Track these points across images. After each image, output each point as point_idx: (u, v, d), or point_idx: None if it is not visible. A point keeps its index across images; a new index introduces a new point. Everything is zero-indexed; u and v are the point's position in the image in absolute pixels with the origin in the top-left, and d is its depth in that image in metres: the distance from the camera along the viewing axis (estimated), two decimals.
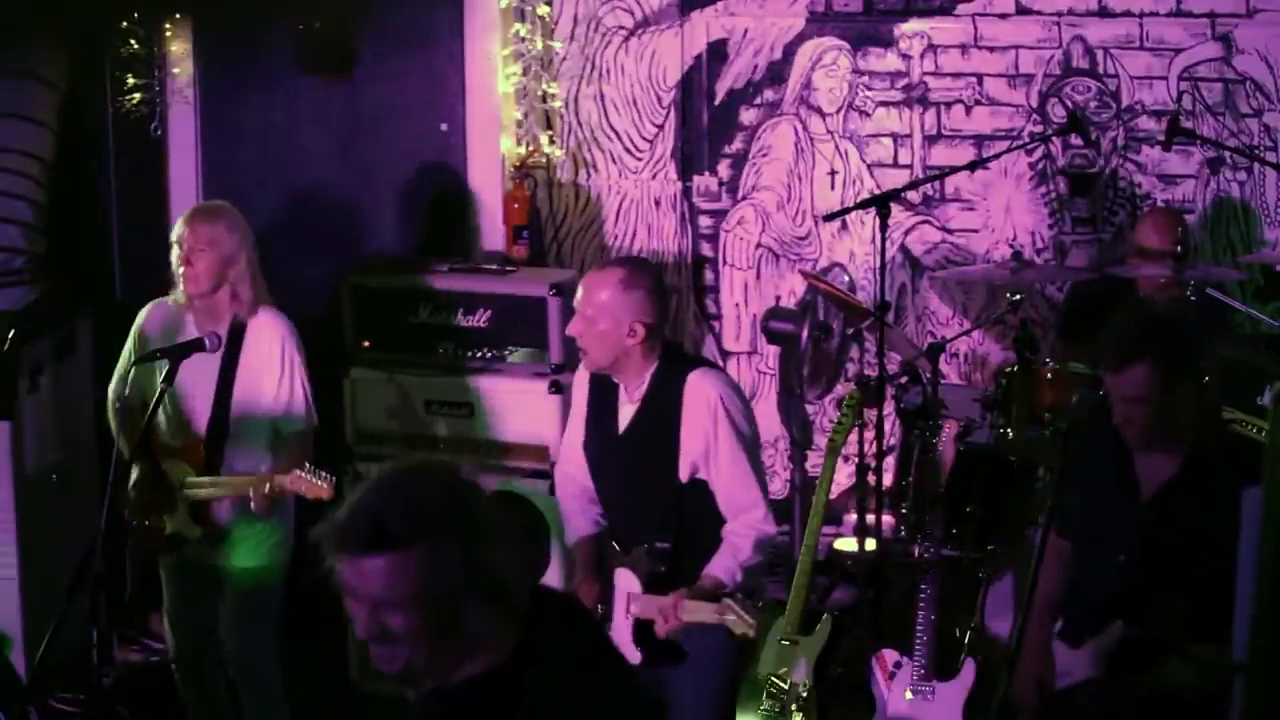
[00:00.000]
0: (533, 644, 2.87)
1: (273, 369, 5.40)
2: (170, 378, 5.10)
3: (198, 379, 5.36)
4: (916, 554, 5.53)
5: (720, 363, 7.22)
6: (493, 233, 7.12)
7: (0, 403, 6.33)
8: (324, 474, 5.24)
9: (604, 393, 5.01)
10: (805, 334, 6.43)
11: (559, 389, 6.31)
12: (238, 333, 5.40)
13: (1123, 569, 4.50)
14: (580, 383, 5.12)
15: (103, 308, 7.01)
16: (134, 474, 5.41)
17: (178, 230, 5.41)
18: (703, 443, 4.83)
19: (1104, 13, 6.84)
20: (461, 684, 2.83)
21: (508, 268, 6.75)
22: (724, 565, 4.81)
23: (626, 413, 4.94)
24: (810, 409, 6.88)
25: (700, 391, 4.84)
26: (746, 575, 4.83)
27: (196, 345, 5.25)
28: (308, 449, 5.45)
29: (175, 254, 5.39)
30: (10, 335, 6.31)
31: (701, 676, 4.92)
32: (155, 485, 5.41)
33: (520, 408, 6.34)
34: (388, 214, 7.12)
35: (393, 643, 2.78)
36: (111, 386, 5.58)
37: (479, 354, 6.42)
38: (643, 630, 4.85)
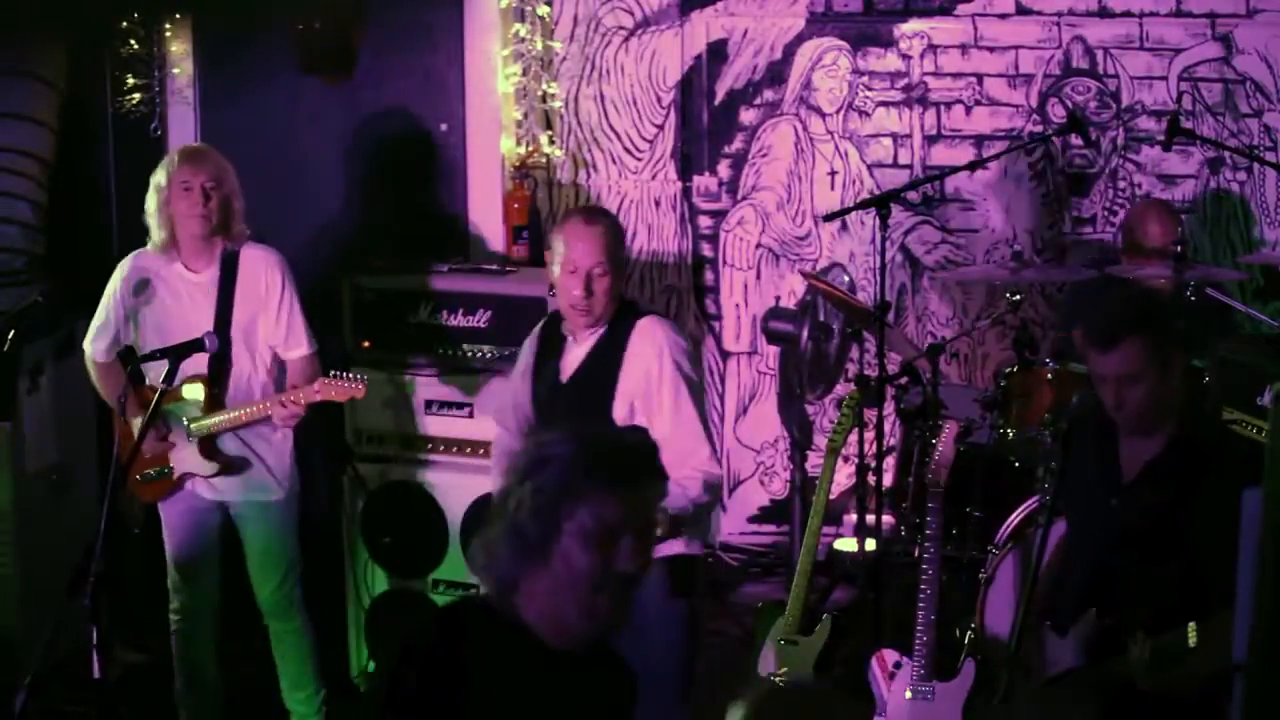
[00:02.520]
0: None
1: (272, 296, 5.53)
2: (170, 378, 5.11)
3: (192, 314, 5.47)
4: (916, 554, 5.53)
5: (720, 363, 7.23)
6: (493, 233, 7.12)
7: (0, 403, 6.33)
8: (351, 375, 5.42)
9: (550, 345, 5.02)
10: (805, 334, 6.43)
11: None
12: (230, 263, 5.52)
13: (1099, 555, 4.49)
14: (529, 343, 5.13)
15: None
16: (135, 429, 5.42)
17: (176, 172, 5.48)
18: (643, 382, 4.77)
19: (1104, 13, 6.84)
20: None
21: (508, 268, 6.74)
22: (673, 499, 4.64)
23: (573, 359, 4.93)
24: (810, 409, 6.89)
25: (647, 333, 4.81)
26: (697, 511, 4.72)
27: (197, 345, 5.26)
28: (316, 368, 5.58)
29: (175, 196, 5.46)
30: (10, 335, 6.31)
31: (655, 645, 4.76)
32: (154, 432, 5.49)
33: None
34: (388, 214, 7.12)
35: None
36: (90, 342, 5.69)
37: (479, 354, 6.42)
38: None
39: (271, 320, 5.54)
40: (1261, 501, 3.67)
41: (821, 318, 6.51)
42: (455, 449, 6.36)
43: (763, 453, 7.32)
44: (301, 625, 5.82)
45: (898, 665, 5.25)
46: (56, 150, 7.03)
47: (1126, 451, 4.51)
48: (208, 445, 5.55)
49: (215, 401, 5.54)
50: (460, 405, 6.39)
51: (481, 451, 6.35)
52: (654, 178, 7.27)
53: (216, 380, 5.52)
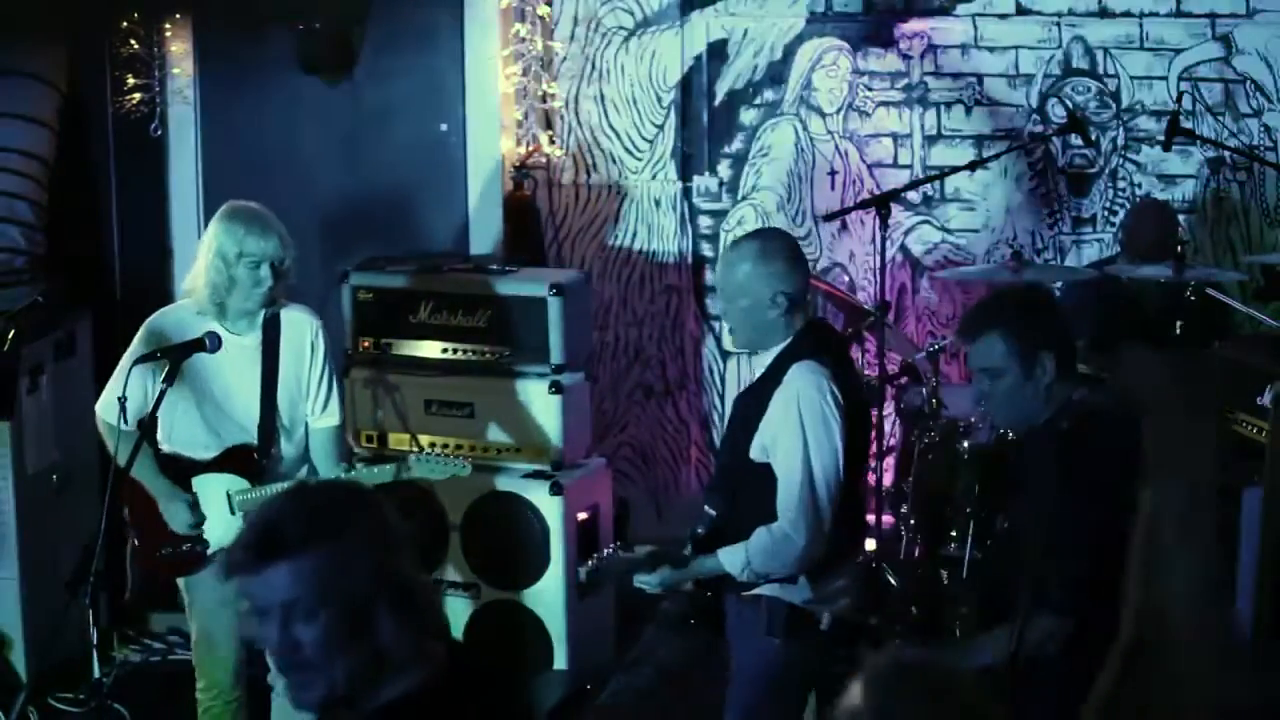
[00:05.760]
0: (465, 666, 2.81)
1: (314, 360, 5.34)
2: (170, 378, 4.99)
3: (233, 377, 5.26)
4: (916, 554, 5.52)
5: (720, 363, 7.23)
6: (493, 233, 7.12)
7: (0, 403, 6.32)
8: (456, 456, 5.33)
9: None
10: None
11: (559, 389, 6.31)
12: (273, 326, 5.30)
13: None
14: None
15: (103, 308, 7.01)
16: (166, 502, 5.23)
17: (244, 245, 5.19)
18: (773, 430, 4.64)
19: (1104, 13, 6.84)
20: (391, 704, 2.74)
21: (508, 268, 6.74)
22: (730, 552, 4.65)
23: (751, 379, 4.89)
24: None
25: (790, 383, 4.63)
26: (748, 573, 4.65)
27: (197, 345, 5.14)
28: (342, 443, 5.47)
29: (241, 270, 5.19)
30: (10, 335, 6.30)
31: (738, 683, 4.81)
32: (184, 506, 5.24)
33: (520, 407, 6.34)
34: (388, 214, 7.12)
35: (308, 666, 2.70)
36: (105, 405, 5.30)
37: (479, 354, 6.42)
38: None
39: (311, 386, 5.34)
40: (1261, 501, 3.68)
41: (821, 318, 6.50)
42: (455, 449, 6.35)
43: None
44: None
45: None
46: (56, 150, 7.03)
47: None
48: None
49: (262, 472, 5.27)
50: (460, 405, 6.39)
51: (481, 451, 6.36)
52: (654, 177, 7.27)
53: (265, 451, 5.28)
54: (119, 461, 5.11)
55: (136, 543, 5.34)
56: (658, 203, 7.28)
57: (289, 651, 2.71)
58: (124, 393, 5.07)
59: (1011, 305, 4.43)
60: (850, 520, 4.78)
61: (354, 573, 2.70)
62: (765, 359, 4.75)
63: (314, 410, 5.35)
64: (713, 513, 4.80)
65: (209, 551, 5.25)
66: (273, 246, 5.21)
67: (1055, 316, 4.44)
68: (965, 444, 5.94)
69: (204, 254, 5.26)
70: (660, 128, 7.24)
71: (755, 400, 4.71)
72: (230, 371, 5.25)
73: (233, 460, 5.27)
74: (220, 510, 5.25)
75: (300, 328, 5.34)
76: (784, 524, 4.59)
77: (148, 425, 5.06)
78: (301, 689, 2.74)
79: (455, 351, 6.43)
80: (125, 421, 5.04)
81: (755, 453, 4.66)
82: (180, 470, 5.27)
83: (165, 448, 5.30)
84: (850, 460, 4.66)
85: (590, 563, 4.91)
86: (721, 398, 7.30)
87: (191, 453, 5.28)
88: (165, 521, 5.23)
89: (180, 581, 5.38)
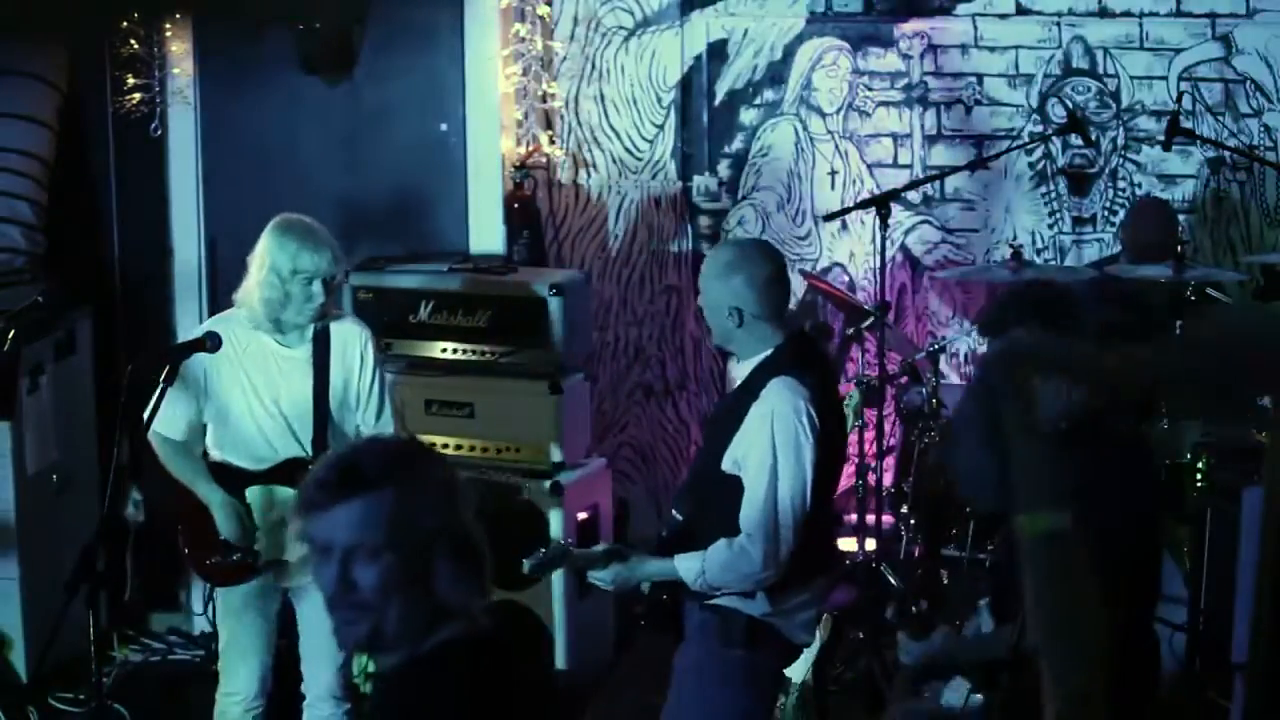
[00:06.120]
0: (507, 622, 2.86)
1: (364, 370, 5.32)
2: (170, 378, 4.95)
3: (288, 394, 5.24)
4: (916, 554, 5.53)
5: (720, 362, 7.22)
6: (493, 233, 7.12)
7: (0, 403, 6.32)
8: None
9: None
10: None
11: (559, 389, 6.31)
12: (323, 338, 5.28)
13: None
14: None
15: (103, 308, 7.01)
16: (220, 511, 5.22)
17: (297, 261, 5.16)
18: (746, 444, 4.61)
19: (1104, 13, 6.84)
20: (435, 650, 2.78)
21: (508, 268, 6.74)
22: (687, 559, 4.58)
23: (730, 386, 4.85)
24: None
25: (767, 398, 4.61)
26: (702, 583, 4.56)
27: (197, 345, 5.14)
28: None
29: (294, 286, 5.16)
30: (10, 335, 6.30)
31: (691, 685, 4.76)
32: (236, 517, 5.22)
33: (520, 407, 6.34)
34: (388, 214, 7.12)
35: (361, 606, 2.74)
36: (165, 422, 5.14)
37: (479, 354, 6.42)
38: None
39: (361, 396, 5.31)
40: (1261, 501, 3.68)
41: (821, 318, 6.51)
42: (455, 449, 6.36)
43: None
44: (351, 711, 5.44)
45: (898, 665, 5.25)
46: (56, 150, 7.03)
47: None
48: None
49: None
50: (460, 405, 6.40)
51: (481, 451, 6.36)
52: (654, 177, 7.27)
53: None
54: (174, 471, 5.21)
55: (186, 551, 5.33)
56: (658, 203, 7.28)
57: (345, 591, 2.74)
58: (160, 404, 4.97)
59: (1032, 300, 4.39)
60: (817, 543, 4.70)
61: (422, 517, 2.75)
62: (744, 369, 4.73)
63: (365, 420, 5.33)
64: (679, 517, 4.77)
65: (259, 563, 5.24)
66: (326, 262, 5.19)
67: (1078, 309, 4.39)
68: None
69: (256, 269, 5.22)
70: (660, 128, 7.24)
71: (732, 410, 4.69)
72: (283, 384, 5.24)
73: (285, 473, 5.24)
74: (273, 521, 5.23)
75: (350, 339, 5.31)
76: (744, 540, 4.54)
77: (146, 422, 5.00)
78: (347, 626, 2.77)
79: (455, 351, 6.44)
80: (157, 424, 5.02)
81: (727, 464, 4.62)
82: (231, 479, 5.26)
83: (215, 455, 5.30)
84: (821, 484, 4.62)
85: (536, 556, 4.85)
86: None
87: (243, 463, 5.26)
88: (214, 530, 5.21)
89: (218, 590, 5.37)
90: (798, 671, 4.57)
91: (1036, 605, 2.79)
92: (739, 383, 4.75)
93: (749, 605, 4.63)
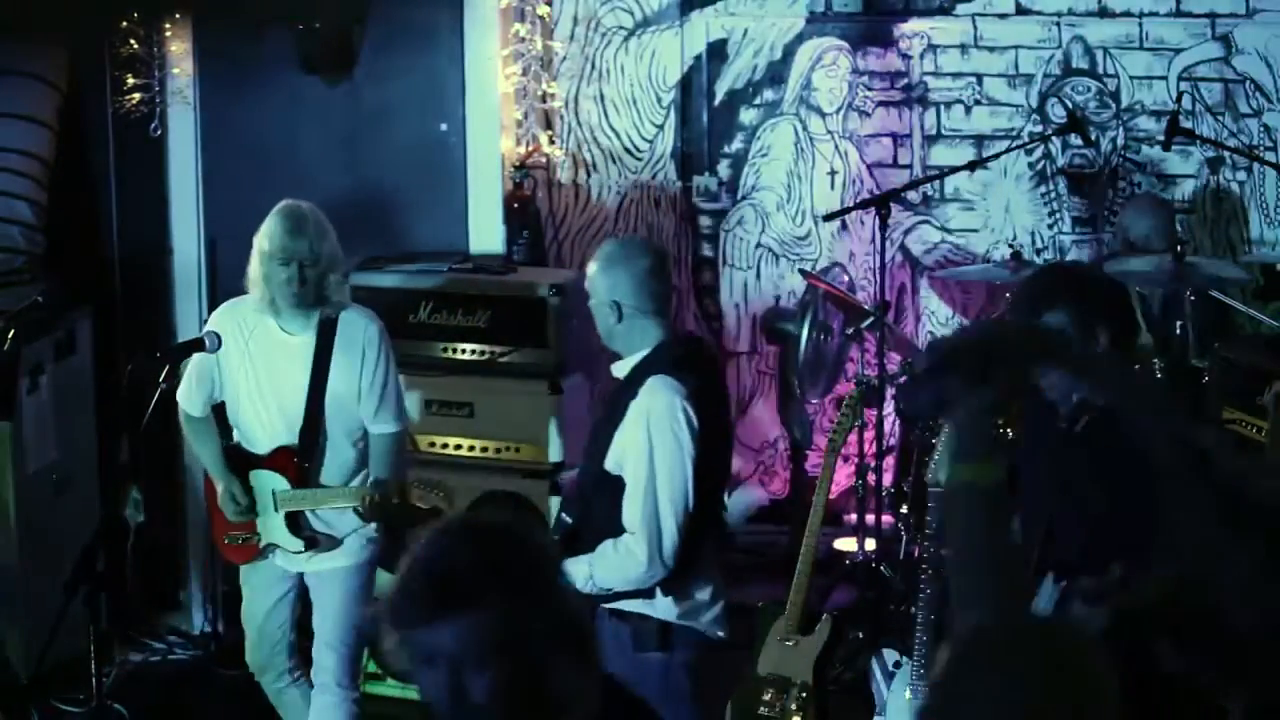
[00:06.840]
0: (617, 699, 2.68)
1: (367, 363, 5.27)
2: (170, 378, 5.03)
3: (284, 375, 5.26)
4: (916, 554, 5.52)
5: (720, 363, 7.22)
6: (492, 233, 7.12)
7: (0, 403, 6.32)
8: (437, 492, 5.36)
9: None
10: (805, 334, 6.43)
11: (559, 389, 6.31)
12: (328, 328, 5.27)
13: None
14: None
15: (103, 308, 7.01)
16: (220, 489, 5.31)
17: (275, 242, 5.20)
18: (624, 442, 4.58)
19: (1104, 13, 6.84)
20: None
21: (508, 268, 6.75)
22: (575, 563, 4.50)
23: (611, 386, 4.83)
24: (810, 409, 6.88)
25: (644, 396, 4.57)
26: (591, 586, 4.50)
27: (197, 345, 5.20)
28: (404, 450, 5.45)
29: (273, 266, 5.19)
30: (10, 335, 6.30)
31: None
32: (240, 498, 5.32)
33: (520, 407, 6.34)
34: (388, 214, 7.12)
35: (474, 713, 2.51)
36: (187, 397, 5.36)
37: (478, 354, 6.42)
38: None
39: (362, 390, 5.26)
40: None
41: (821, 317, 6.51)
42: (455, 449, 6.36)
43: (763, 453, 7.31)
44: (359, 700, 5.46)
45: (898, 665, 5.25)
46: (56, 150, 7.02)
47: None
48: (294, 520, 5.28)
49: (304, 475, 5.26)
50: (460, 405, 6.40)
51: (481, 451, 6.36)
52: (654, 177, 7.27)
53: (307, 454, 5.25)
54: (193, 447, 5.43)
55: (212, 527, 5.54)
56: (658, 203, 7.28)
57: (457, 701, 2.53)
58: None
59: (1064, 282, 4.34)
60: (707, 540, 4.65)
61: (530, 621, 2.52)
62: (625, 366, 4.69)
63: (367, 415, 5.30)
64: (568, 520, 4.73)
65: (261, 545, 5.35)
66: (302, 247, 5.18)
67: (1112, 292, 4.35)
68: None
69: (253, 250, 5.33)
70: (660, 127, 7.24)
71: (612, 409, 4.66)
72: (280, 370, 5.26)
73: (276, 460, 5.30)
74: (266, 505, 5.32)
75: (354, 330, 5.29)
76: (628, 539, 4.51)
77: (146, 422, 5.06)
78: None
79: (455, 351, 6.44)
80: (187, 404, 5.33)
81: (610, 464, 4.58)
82: (240, 461, 5.36)
83: (236, 436, 5.41)
84: (707, 482, 4.57)
85: None
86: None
87: (250, 446, 5.35)
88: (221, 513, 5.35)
89: (242, 568, 5.51)
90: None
91: (957, 553, 2.77)
92: (620, 380, 4.71)
93: (656, 610, 4.60)
